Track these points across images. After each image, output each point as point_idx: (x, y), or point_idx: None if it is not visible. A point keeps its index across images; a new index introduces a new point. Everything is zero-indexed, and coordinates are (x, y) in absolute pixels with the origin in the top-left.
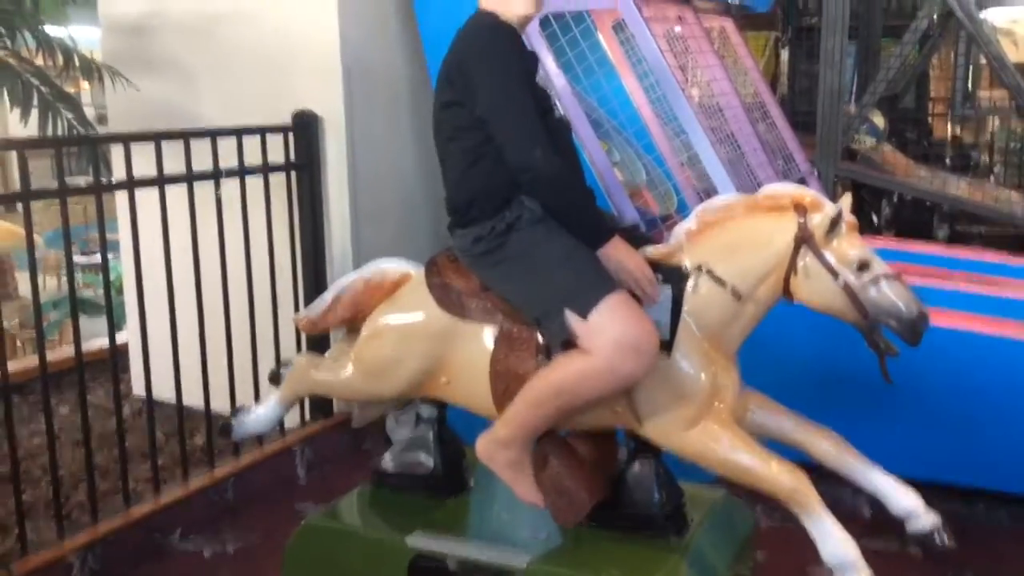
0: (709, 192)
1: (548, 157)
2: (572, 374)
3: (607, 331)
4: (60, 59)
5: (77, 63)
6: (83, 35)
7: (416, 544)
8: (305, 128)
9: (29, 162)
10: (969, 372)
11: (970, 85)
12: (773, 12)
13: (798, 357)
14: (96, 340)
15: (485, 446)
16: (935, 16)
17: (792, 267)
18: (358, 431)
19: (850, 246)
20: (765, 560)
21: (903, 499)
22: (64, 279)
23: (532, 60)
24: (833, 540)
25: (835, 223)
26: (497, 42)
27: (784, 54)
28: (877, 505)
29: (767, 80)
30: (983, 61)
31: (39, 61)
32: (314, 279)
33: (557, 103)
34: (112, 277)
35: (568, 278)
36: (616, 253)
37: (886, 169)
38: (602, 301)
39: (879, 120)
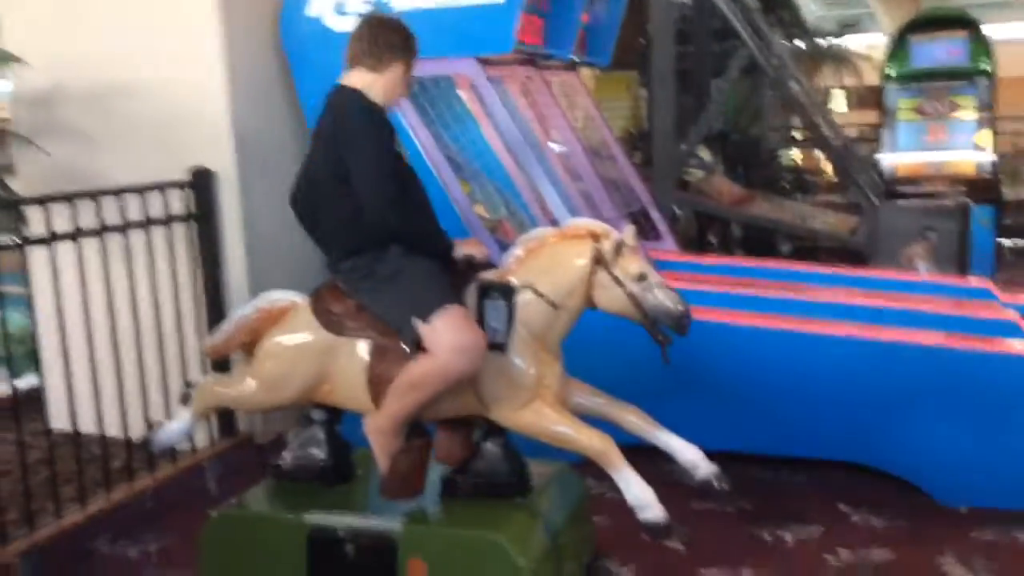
0: (558, 222)
1: (395, 214)
2: (419, 371)
3: (443, 335)
4: None
5: None
6: None
7: (312, 520)
8: (202, 183)
9: None
10: (769, 362)
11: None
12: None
13: (615, 355)
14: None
15: (368, 427)
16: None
17: (591, 281)
18: (261, 448)
19: (631, 263)
20: (605, 522)
21: (689, 453)
22: None
23: (393, 131)
24: (634, 487)
25: (619, 247)
26: (369, 125)
27: (643, 92)
28: None
29: (634, 119)
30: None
31: None
32: (216, 313)
33: (422, 152)
34: (12, 330)
35: (417, 294)
36: (463, 248)
37: (714, 197)
38: (440, 311)
39: (706, 155)
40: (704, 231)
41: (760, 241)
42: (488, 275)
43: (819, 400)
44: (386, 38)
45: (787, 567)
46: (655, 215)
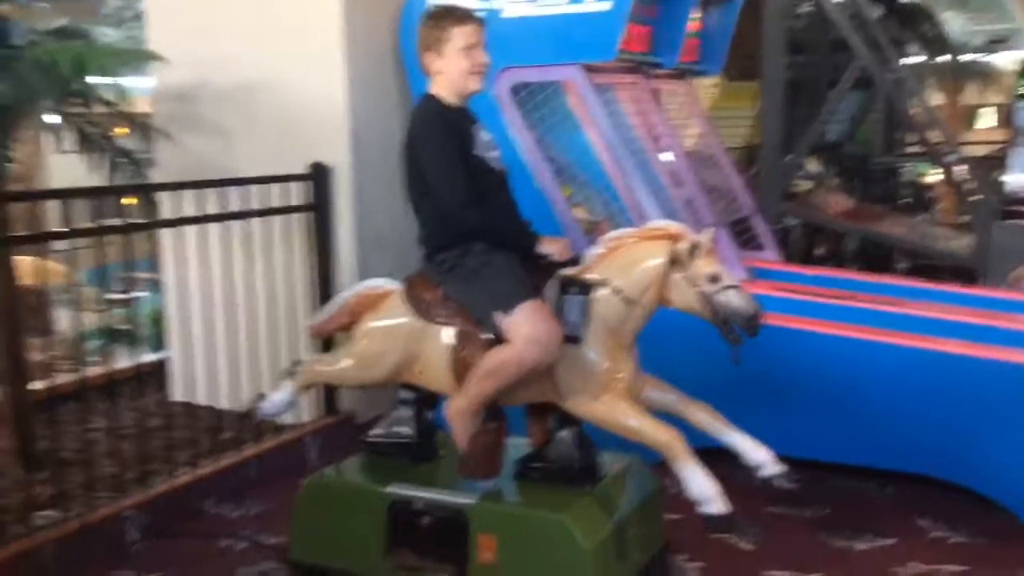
0: None
1: (469, 214)
2: (497, 359)
3: (521, 327)
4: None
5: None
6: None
7: (394, 491)
8: (320, 177)
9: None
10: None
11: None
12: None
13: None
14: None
15: (449, 408)
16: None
17: (666, 280)
18: (361, 426)
19: (706, 264)
20: (681, 518)
21: (758, 452)
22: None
23: (467, 134)
24: (697, 480)
25: (694, 248)
26: (435, 130)
27: None
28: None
29: (756, 129)
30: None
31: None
32: (325, 297)
33: (523, 154)
34: (147, 311)
35: (499, 288)
36: (544, 247)
37: (821, 209)
38: (520, 305)
39: (814, 166)
40: (812, 243)
41: (877, 256)
42: (569, 271)
43: (907, 413)
44: (426, 31)
45: None
46: (759, 224)
